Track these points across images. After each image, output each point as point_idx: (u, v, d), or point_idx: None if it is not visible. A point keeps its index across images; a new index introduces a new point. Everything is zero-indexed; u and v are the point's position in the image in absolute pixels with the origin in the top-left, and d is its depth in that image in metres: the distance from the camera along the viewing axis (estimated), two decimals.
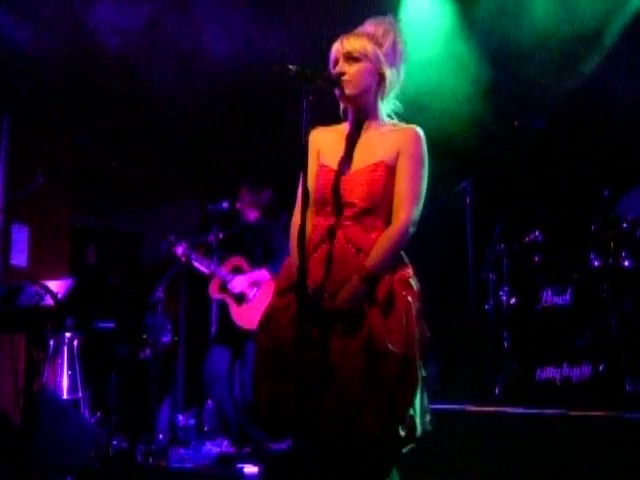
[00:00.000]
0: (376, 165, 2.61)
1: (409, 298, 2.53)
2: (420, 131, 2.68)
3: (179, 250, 5.23)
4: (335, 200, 2.62)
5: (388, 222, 2.62)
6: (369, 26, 2.73)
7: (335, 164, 2.67)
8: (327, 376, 2.44)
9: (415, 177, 2.62)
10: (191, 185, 8.14)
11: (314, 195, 2.65)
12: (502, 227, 5.27)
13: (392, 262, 2.58)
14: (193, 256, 5.21)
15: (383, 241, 2.57)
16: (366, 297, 2.51)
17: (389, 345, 2.42)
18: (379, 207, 2.60)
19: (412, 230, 2.60)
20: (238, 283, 5.04)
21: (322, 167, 2.68)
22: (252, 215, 5.31)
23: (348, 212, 2.60)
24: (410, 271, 2.62)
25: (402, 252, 2.64)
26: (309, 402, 2.39)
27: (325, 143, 2.74)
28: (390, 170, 2.61)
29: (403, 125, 2.72)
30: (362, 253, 2.55)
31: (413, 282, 2.60)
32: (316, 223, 2.65)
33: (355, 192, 2.60)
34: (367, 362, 2.42)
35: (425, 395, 2.56)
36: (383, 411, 2.40)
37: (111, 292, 6.83)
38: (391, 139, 2.65)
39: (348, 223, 2.60)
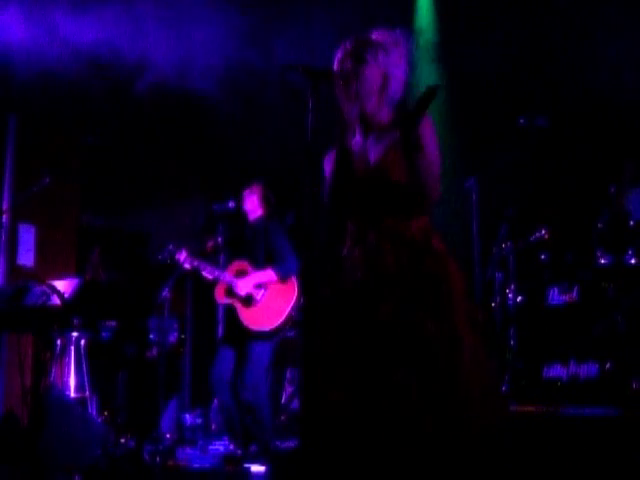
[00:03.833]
0: (386, 155, 2.58)
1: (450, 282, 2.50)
2: (430, 117, 2.62)
3: (180, 258, 5.23)
4: (361, 202, 2.59)
5: (422, 201, 2.57)
6: (378, 34, 2.69)
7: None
8: (378, 378, 2.39)
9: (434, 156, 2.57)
10: (198, 184, 8.14)
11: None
12: (508, 225, 5.27)
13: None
14: (195, 263, 5.21)
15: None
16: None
17: (434, 342, 2.39)
18: (406, 193, 2.55)
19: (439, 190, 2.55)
20: (243, 285, 5.05)
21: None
22: (254, 208, 5.29)
23: (378, 210, 2.57)
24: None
25: None
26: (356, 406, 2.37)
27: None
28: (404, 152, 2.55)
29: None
30: (402, 243, 2.52)
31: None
32: (347, 227, 2.62)
33: (377, 190, 2.58)
34: (420, 359, 2.39)
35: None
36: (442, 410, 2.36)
37: (118, 292, 6.84)
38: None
39: (381, 220, 2.56)
